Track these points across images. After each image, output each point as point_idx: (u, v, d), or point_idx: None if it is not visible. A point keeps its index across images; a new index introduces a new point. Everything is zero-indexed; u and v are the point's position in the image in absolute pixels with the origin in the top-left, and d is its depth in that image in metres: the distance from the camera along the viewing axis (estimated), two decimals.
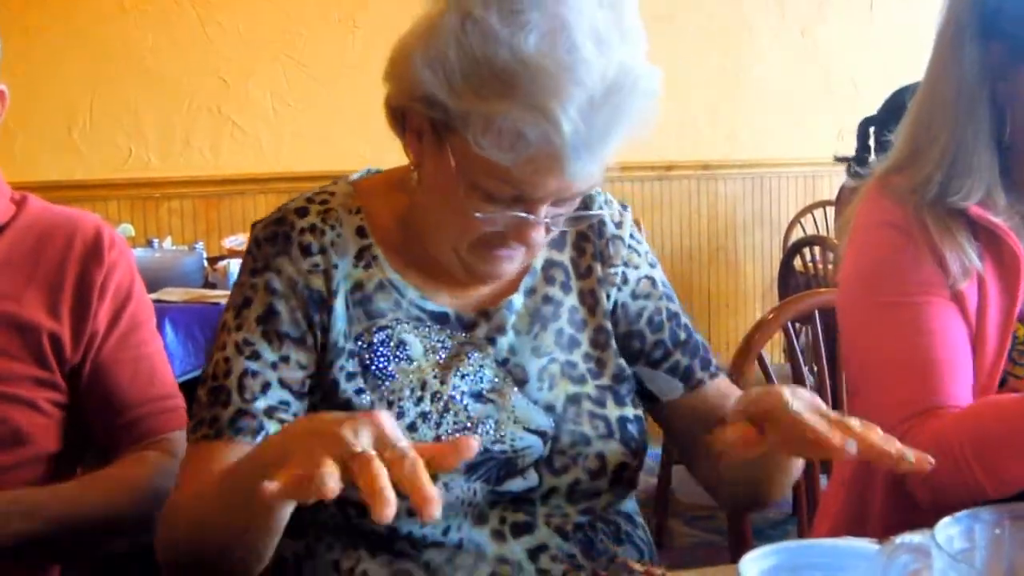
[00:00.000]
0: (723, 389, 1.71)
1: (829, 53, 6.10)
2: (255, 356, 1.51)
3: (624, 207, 1.75)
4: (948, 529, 0.79)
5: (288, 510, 1.32)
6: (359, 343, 1.54)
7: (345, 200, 1.60)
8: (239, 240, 4.59)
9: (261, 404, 1.49)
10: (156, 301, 3.23)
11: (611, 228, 1.70)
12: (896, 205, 1.78)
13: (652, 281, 1.72)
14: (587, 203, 1.68)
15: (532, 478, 1.54)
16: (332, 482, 1.11)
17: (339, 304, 1.54)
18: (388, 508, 1.09)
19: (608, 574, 1.34)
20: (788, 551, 1.00)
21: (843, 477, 1.93)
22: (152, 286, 2.51)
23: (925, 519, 1.09)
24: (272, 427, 1.49)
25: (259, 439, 1.47)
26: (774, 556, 0.99)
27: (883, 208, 1.80)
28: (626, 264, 1.69)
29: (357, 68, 5.33)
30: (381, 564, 1.51)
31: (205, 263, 4.33)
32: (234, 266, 4.12)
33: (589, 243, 1.68)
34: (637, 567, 1.35)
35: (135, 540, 1.73)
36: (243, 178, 5.37)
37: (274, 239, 1.56)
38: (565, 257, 1.67)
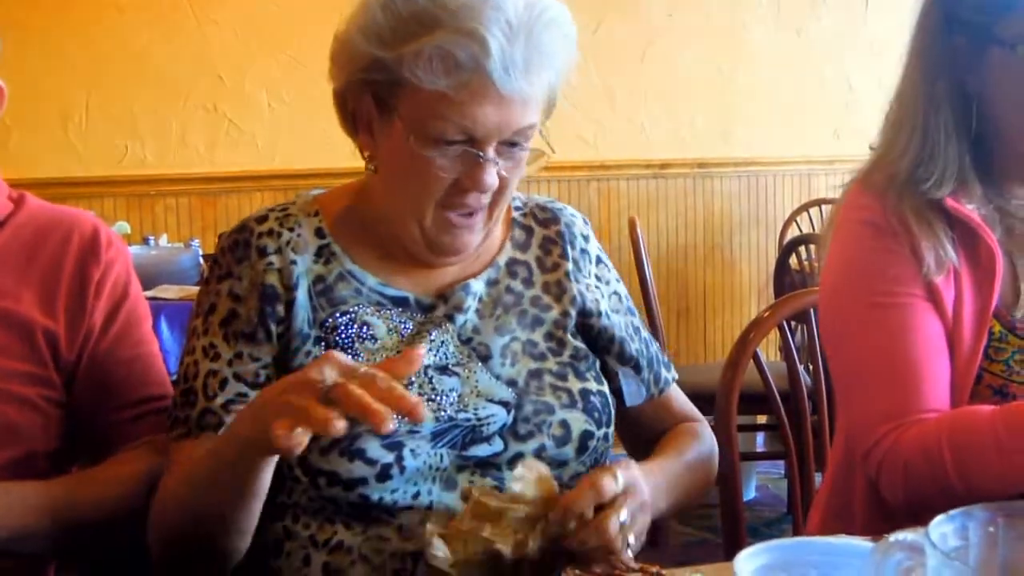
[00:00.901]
0: (670, 403, 1.86)
1: (824, 52, 6.09)
2: (216, 357, 1.63)
3: (586, 221, 1.86)
4: (942, 527, 0.80)
5: (267, 478, 1.43)
6: (324, 328, 1.63)
7: (304, 206, 1.72)
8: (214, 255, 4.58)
9: (220, 400, 1.60)
10: (151, 298, 3.25)
11: (580, 241, 1.80)
12: (875, 201, 1.79)
13: (619, 297, 1.83)
14: (555, 214, 1.81)
15: (497, 444, 1.60)
16: (336, 420, 1.23)
17: (301, 295, 1.63)
18: (387, 419, 1.21)
19: (603, 572, 1.34)
20: (782, 549, 1.00)
21: (830, 475, 1.94)
22: (148, 283, 2.52)
23: (904, 518, 1.11)
24: (228, 419, 1.58)
25: (221, 431, 1.56)
26: (769, 554, 1.00)
27: (862, 206, 1.82)
28: (598, 279, 1.80)
29: None
30: (356, 532, 1.56)
31: (201, 260, 4.34)
32: None
33: (557, 246, 1.78)
34: (633, 564, 1.35)
35: (127, 538, 1.73)
36: (239, 176, 5.36)
37: (235, 247, 1.67)
38: (530, 257, 1.77)
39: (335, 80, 1.67)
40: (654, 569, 1.32)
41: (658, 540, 4.35)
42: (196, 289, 3.96)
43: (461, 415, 1.59)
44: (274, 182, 5.29)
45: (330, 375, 1.26)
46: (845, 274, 1.84)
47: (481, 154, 1.55)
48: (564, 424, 1.63)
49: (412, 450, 1.55)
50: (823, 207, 5.66)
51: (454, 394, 1.61)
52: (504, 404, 1.62)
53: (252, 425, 1.35)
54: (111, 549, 1.77)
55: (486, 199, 1.62)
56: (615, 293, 1.82)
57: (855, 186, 1.85)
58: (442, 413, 1.58)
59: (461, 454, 1.58)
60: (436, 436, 1.57)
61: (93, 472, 1.76)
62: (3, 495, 1.62)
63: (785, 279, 4.38)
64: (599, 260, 1.83)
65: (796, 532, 2.34)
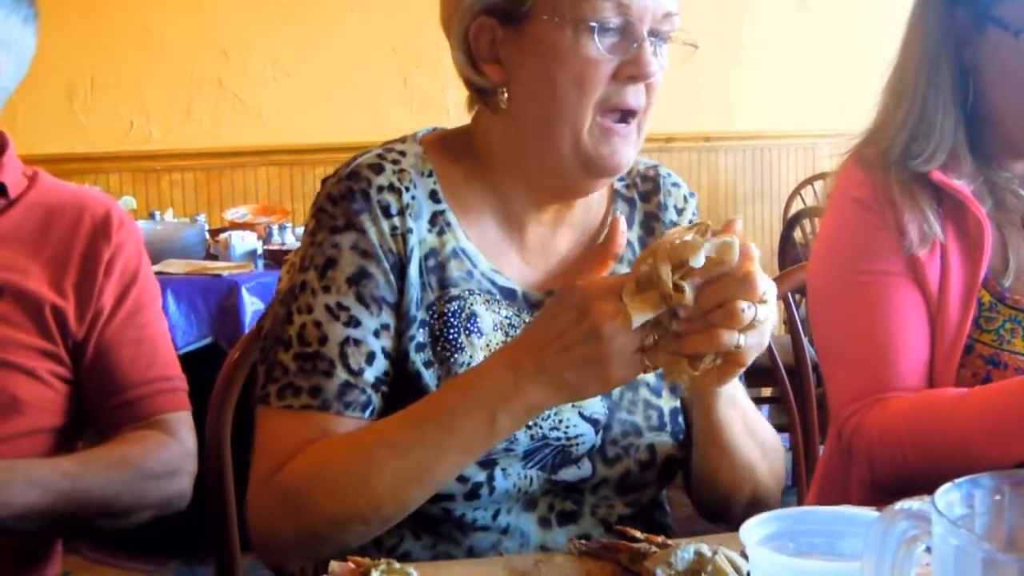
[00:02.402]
0: None
1: (829, 25, 6.08)
2: (354, 323, 1.46)
3: (692, 195, 1.75)
4: (948, 495, 0.80)
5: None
6: (431, 312, 1.51)
7: (416, 161, 1.55)
8: (240, 212, 4.59)
9: (369, 376, 1.46)
10: (158, 273, 3.25)
11: (671, 215, 1.69)
12: (864, 176, 1.81)
13: None
14: (656, 183, 1.69)
15: (586, 467, 1.52)
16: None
17: (413, 271, 1.50)
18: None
19: (608, 542, 1.35)
20: (788, 518, 1.01)
21: (828, 447, 1.96)
22: (154, 258, 2.53)
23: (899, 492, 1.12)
24: (377, 400, 1.46)
25: (367, 414, 1.45)
26: (775, 523, 1.00)
27: (852, 181, 1.83)
28: None
29: (358, 39, 5.32)
30: (424, 546, 1.50)
31: (207, 235, 4.34)
32: (235, 238, 4.13)
33: (658, 223, 1.67)
34: (638, 534, 1.36)
35: (131, 517, 1.74)
36: (244, 150, 5.36)
37: (351, 196, 1.50)
38: (633, 236, 1.66)
39: (448, 29, 1.55)
40: (659, 539, 1.33)
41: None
42: (202, 264, 3.99)
43: (553, 433, 1.49)
44: (279, 157, 5.30)
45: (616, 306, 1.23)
46: (830, 250, 1.86)
47: (640, 33, 1.45)
48: (651, 448, 1.55)
49: (504, 470, 1.46)
50: (825, 183, 5.65)
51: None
52: (594, 422, 1.52)
53: (537, 387, 1.28)
54: (116, 528, 1.78)
55: (643, 98, 1.50)
56: None
57: (848, 160, 1.87)
58: (537, 430, 1.49)
59: (550, 478, 1.50)
60: (528, 455, 1.48)
61: (100, 451, 1.77)
62: (9, 471, 1.63)
63: (790, 252, 4.37)
64: None
65: (801, 504, 2.34)
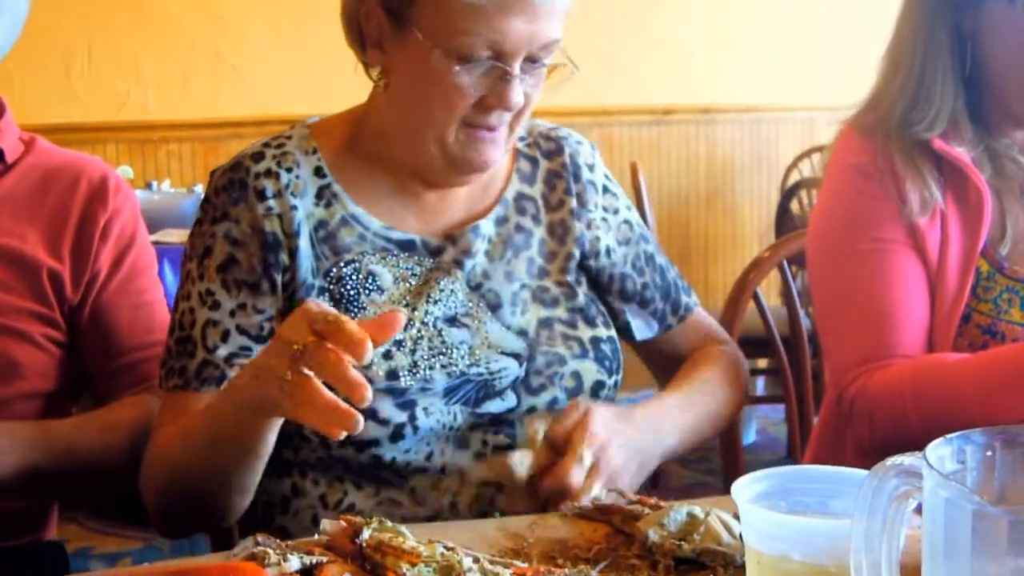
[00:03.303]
0: (689, 331, 1.80)
1: None
2: (215, 306, 1.55)
3: (593, 147, 1.79)
4: (939, 450, 0.80)
5: (271, 438, 1.38)
6: (328, 279, 1.57)
7: (301, 142, 1.63)
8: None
9: (222, 352, 1.53)
10: (155, 243, 3.24)
11: (585, 172, 1.74)
12: (864, 143, 1.81)
13: (630, 225, 1.77)
14: (559, 144, 1.74)
15: (510, 399, 1.57)
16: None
17: (303, 243, 1.56)
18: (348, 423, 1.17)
19: (602, 504, 1.35)
20: (780, 476, 1.01)
21: (823, 415, 1.97)
22: (151, 228, 2.52)
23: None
24: (231, 374, 1.53)
25: (223, 387, 1.51)
26: (766, 481, 1.01)
27: (851, 149, 1.83)
28: (605, 209, 1.74)
29: None
30: (367, 495, 1.54)
31: None
32: None
33: (561, 180, 1.72)
34: (631, 495, 1.36)
35: (127, 481, 1.75)
36: (241, 121, 5.35)
37: (231, 186, 1.58)
38: (536, 192, 1.71)
39: (343, 9, 1.61)
40: (651, 500, 1.33)
41: (658, 483, 4.39)
42: None
43: (473, 370, 1.55)
44: (276, 127, 5.25)
45: (302, 328, 1.21)
46: (830, 218, 1.86)
47: (508, 70, 1.48)
48: (576, 375, 1.60)
49: (425, 408, 1.52)
50: (823, 154, 5.65)
51: (465, 347, 1.57)
52: (516, 356, 1.58)
53: (253, 386, 1.29)
54: (112, 492, 1.78)
55: (508, 118, 1.54)
56: (625, 221, 1.76)
57: (847, 129, 1.87)
58: (454, 368, 1.55)
59: (475, 411, 1.55)
60: (449, 392, 1.54)
61: (94, 415, 1.77)
62: (6, 433, 1.63)
63: (787, 224, 4.38)
64: (606, 189, 1.75)
65: None
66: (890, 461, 0.84)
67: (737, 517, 1.20)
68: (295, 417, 1.23)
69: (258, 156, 1.60)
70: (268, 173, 1.58)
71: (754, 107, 6.02)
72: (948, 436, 0.81)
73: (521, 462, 1.50)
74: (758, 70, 6.02)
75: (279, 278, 1.56)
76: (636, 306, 1.75)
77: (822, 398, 2.19)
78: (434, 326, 1.57)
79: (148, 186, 4.58)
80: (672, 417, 1.62)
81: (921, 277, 1.76)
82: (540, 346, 1.60)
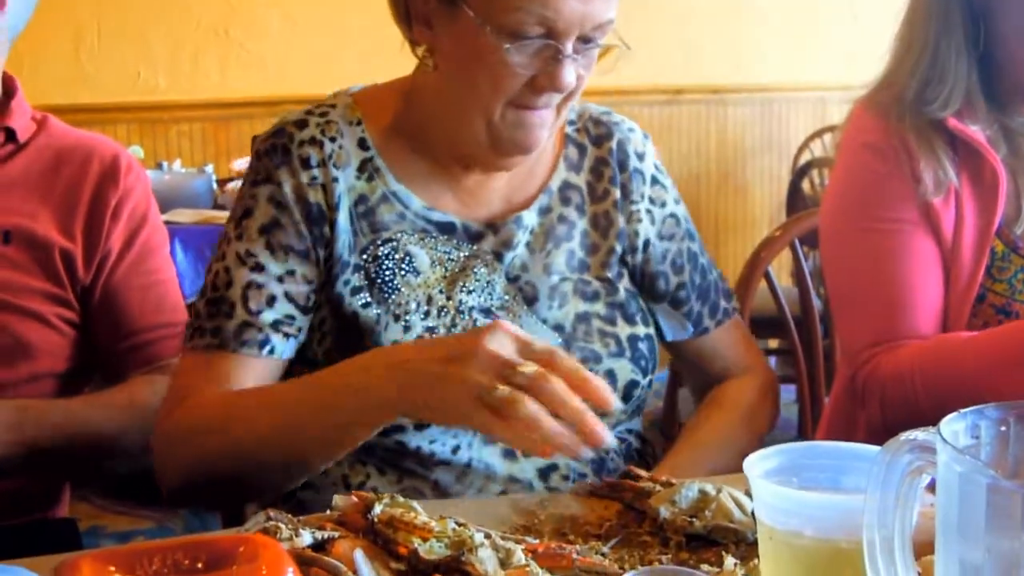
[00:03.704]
0: (725, 338, 1.76)
1: None
2: (259, 268, 1.51)
3: (646, 136, 1.74)
4: (953, 425, 0.80)
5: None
6: (364, 256, 1.54)
7: (345, 112, 1.59)
8: (248, 162, 4.58)
9: (268, 317, 1.50)
10: (166, 223, 3.24)
11: (633, 160, 1.69)
12: (877, 122, 1.80)
13: (676, 220, 1.72)
14: (609, 129, 1.69)
15: None
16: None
17: (342, 217, 1.54)
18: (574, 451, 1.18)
19: (613, 482, 1.35)
20: (792, 452, 1.01)
21: (835, 395, 1.96)
22: (162, 208, 2.52)
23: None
24: (277, 341, 1.50)
25: (264, 352, 1.49)
26: (778, 457, 1.00)
27: (864, 128, 1.82)
28: (651, 201, 1.69)
29: None
30: (390, 481, 1.52)
31: (214, 185, 4.34)
32: None
33: (608, 168, 1.67)
34: (643, 474, 1.36)
35: (139, 459, 1.75)
36: (251, 101, 5.35)
37: (273, 151, 1.55)
38: (581, 180, 1.66)
39: None
40: (663, 478, 1.33)
41: (651, 468, 4.37)
42: (210, 213, 3.99)
43: None
44: (286, 107, 5.25)
45: (509, 350, 1.19)
46: (843, 198, 1.85)
47: (561, 49, 1.43)
48: (610, 374, 1.56)
49: None
50: (835, 134, 5.63)
51: None
52: None
53: (395, 385, 1.26)
54: (123, 471, 1.79)
55: (557, 99, 1.49)
56: (671, 215, 1.71)
57: (859, 107, 1.86)
58: None
59: None
60: None
61: (109, 393, 1.78)
62: (21, 411, 1.64)
63: (798, 204, 4.37)
64: (655, 180, 1.70)
65: None
66: (904, 436, 0.83)
67: (749, 494, 1.20)
68: (487, 430, 1.20)
69: (301, 123, 1.57)
70: (312, 141, 1.55)
71: (765, 87, 6.01)
72: (962, 411, 0.81)
73: None
74: (769, 50, 6.00)
75: (322, 252, 1.53)
76: (667, 306, 1.70)
77: (833, 378, 2.19)
78: (470, 315, 1.54)
79: (159, 166, 4.58)
80: (706, 462, 1.60)
81: (935, 257, 1.75)
82: (576, 342, 1.57)
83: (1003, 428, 0.82)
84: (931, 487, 0.82)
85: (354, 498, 1.11)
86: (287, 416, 1.38)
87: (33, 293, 1.74)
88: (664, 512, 1.23)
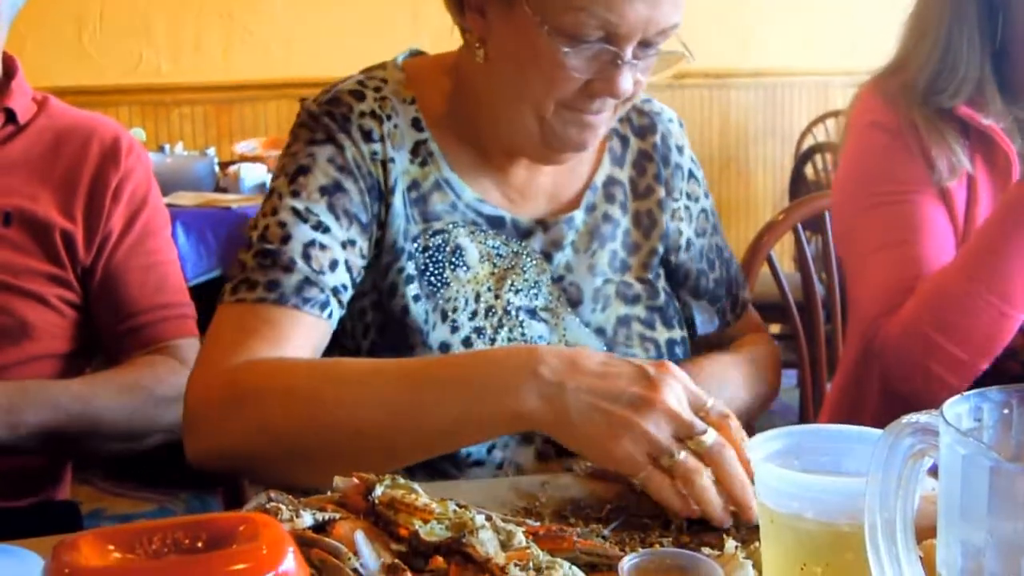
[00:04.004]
0: (739, 327, 1.75)
1: None
2: (322, 228, 1.43)
3: (682, 124, 1.71)
4: (956, 407, 0.79)
5: None
6: (416, 245, 1.49)
7: (398, 88, 1.53)
8: (250, 146, 4.58)
9: (331, 281, 1.42)
10: (168, 205, 3.25)
11: (675, 155, 1.66)
12: (886, 106, 1.80)
13: (706, 215, 1.70)
14: (652, 120, 1.66)
15: None
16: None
17: (398, 201, 1.48)
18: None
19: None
20: (794, 435, 1.01)
21: (842, 376, 1.95)
22: (164, 191, 2.53)
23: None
24: (335, 307, 1.42)
25: (325, 315, 1.40)
26: (780, 440, 1.00)
27: (873, 109, 1.82)
28: (689, 197, 1.67)
29: None
30: (419, 480, 1.47)
31: (217, 168, 4.33)
32: (245, 171, 4.13)
33: (651, 163, 1.64)
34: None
35: (141, 441, 1.75)
36: (254, 84, 5.34)
37: (332, 117, 1.48)
38: (624, 175, 1.63)
39: None
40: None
41: None
42: (213, 196, 3.99)
43: None
44: (289, 90, 5.27)
45: (687, 408, 1.17)
46: (853, 175, 1.85)
47: (620, 55, 1.36)
48: None
49: None
50: (840, 118, 5.62)
51: (543, 343, 1.50)
52: None
53: (547, 406, 1.20)
54: (126, 452, 1.79)
55: (613, 103, 1.43)
56: (703, 211, 1.69)
57: (867, 90, 1.85)
58: None
59: None
60: None
61: (111, 374, 1.78)
62: (20, 393, 1.64)
63: (801, 189, 4.36)
64: (691, 174, 1.68)
65: None
66: (905, 419, 0.83)
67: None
68: (652, 488, 1.18)
69: (359, 95, 1.50)
70: (373, 115, 1.49)
71: (768, 72, 5.99)
72: (965, 394, 0.81)
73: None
74: (772, 35, 5.99)
75: (376, 232, 1.47)
76: (705, 302, 1.69)
77: (835, 363, 2.19)
78: (516, 316, 1.51)
79: (161, 149, 4.58)
80: (733, 376, 1.59)
81: (948, 229, 1.75)
82: (617, 347, 1.54)
83: (1006, 411, 0.82)
84: (932, 471, 0.82)
85: (355, 479, 1.11)
86: (403, 394, 1.27)
87: (34, 274, 1.74)
88: None
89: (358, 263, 1.45)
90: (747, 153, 6.05)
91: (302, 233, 1.41)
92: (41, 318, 1.74)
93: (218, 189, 4.20)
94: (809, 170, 4.59)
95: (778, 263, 2.29)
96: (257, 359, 1.34)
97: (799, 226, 2.24)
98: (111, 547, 0.65)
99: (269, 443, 1.30)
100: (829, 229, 2.25)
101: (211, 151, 4.56)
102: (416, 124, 1.52)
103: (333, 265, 1.42)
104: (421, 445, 1.31)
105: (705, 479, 1.16)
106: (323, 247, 1.41)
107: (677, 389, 1.19)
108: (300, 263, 1.40)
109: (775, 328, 4.71)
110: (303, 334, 1.39)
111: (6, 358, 1.71)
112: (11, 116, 1.79)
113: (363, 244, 1.46)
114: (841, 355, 2.05)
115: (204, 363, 1.38)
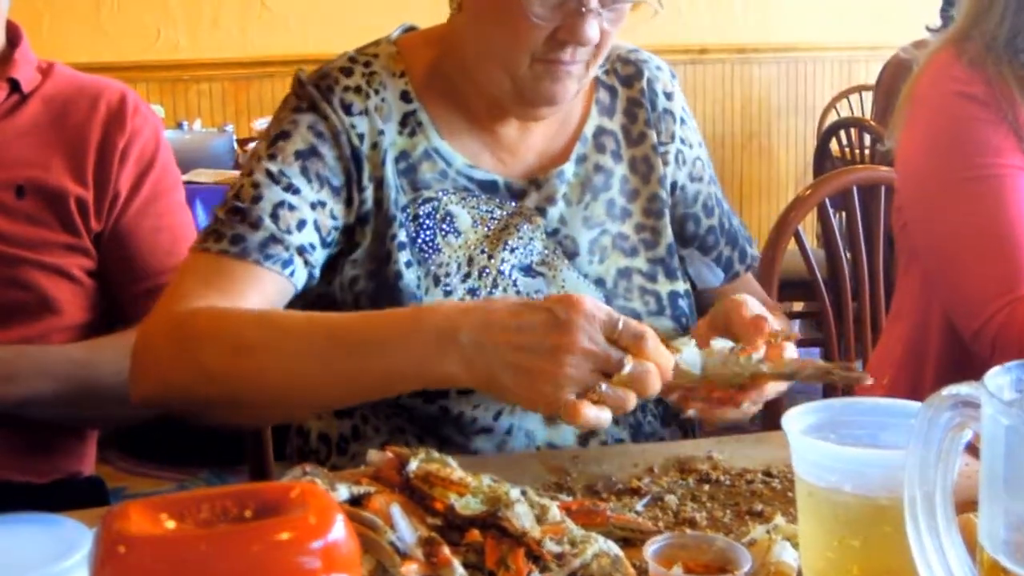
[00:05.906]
0: (752, 285, 1.74)
1: None
2: (293, 190, 1.46)
3: (673, 75, 1.72)
4: (997, 379, 0.79)
5: None
6: (406, 214, 1.51)
7: (388, 62, 1.56)
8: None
9: (295, 240, 1.44)
10: (187, 183, 3.25)
11: (662, 100, 1.66)
12: (971, 71, 1.75)
13: (702, 163, 1.70)
14: (638, 68, 1.66)
15: None
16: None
17: (389, 173, 1.50)
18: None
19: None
20: (831, 408, 1.00)
21: (892, 358, 1.92)
22: (183, 168, 2.53)
23: None
24: (299, 266, 1.44)
25: (286, 272, 1.43)
26: (817, 413, 0.99)
27: (955, 78, 1.76)
28: (682, 141, 1.67)
29: None
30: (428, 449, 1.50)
31: (235, 145, 4.34)
32: None
33: (641, 109, 1.64)
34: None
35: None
36: (272, 60, 5.33)
37: (318, 88, 1.51)
38: (615, 124, 1.63)
39: None
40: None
41: (693, 425, 4.37)
42: (231, 173, 3.99)
43: None
44: (307, 66, 5.24)
45: (602, 341, 1.18)
46: (934, 147, 1.79)
47: (584, 3, 1.38)
48: None
49: None
50: (863, 94, 5.59)
51: (540, 296, 1.50)
52: None
53: (463, 362, 1.21)
54: (130, 418, 1.78)
55: (584, 55, 1.45)
56: (698, 159, 1.68)
57: (944, 56, 1.80)
58: None
59: None
60: None
61: (112, 338, 1.75)
62: (19, 358, 1.64)
63: (825, 165, 4.31)
64: (683, 121, 1.68)
65: None
66: (945, 391, 0.82)
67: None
68: (572, 418, 1.18)
69: (347, 71, 1.54)
70: (357, 90, 1.52)
71: (791, 46, 5.96)
72: (1007, 365, 0.80)
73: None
74: (796, 9, 5.96)
75: (357, 199, 1.50)
76: (696, 251, 1.68)
77: (863, 341, 2.17)
78: (510, 276, 1.52)
79: (179, 126, 4.58)
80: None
81: None
82: (616, 299, 1.54)
83: None
84: (968, 448, 0.81)
85: (389, 454, 1.11)
86: (336, 350, 1.29)
87: (52, 247, 1.73)
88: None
89: (328, 223, 1.48)
90: (769, 129, 6.02)
91: (273, 194, 1.45)
92: (64, 291, 1.74)
93: (237, 166, 4.20)
94: (833, 146, 4.56)
95: (806, 237, 2.28)
96: (203, 307, 1.37)
97: (827, 201, 2.22)
98: (164, 515, 0.65)
99: (207, 386, 1.34)
100: (857, 201, 2.23)
101: (229, 128, 4.57)
102: (405, 96, 1.55)
103: (301, 225, 1.45)
104: (352, 395, 1.36)
105: (632, 401, 1.19)
106: (292, 208, 1.45)
107: (587, 327, 1.18)
108: (268, 221, 1.44)
109: (799, 306, 4.70)
110: (259, 289, 1.42)
111: (29, 332, 1.71)
112: (15, 86, 1.78)
113: (334, 206, 1.49)
114: (884, 331, 2.01)
115: (159, 308, 1.42)
